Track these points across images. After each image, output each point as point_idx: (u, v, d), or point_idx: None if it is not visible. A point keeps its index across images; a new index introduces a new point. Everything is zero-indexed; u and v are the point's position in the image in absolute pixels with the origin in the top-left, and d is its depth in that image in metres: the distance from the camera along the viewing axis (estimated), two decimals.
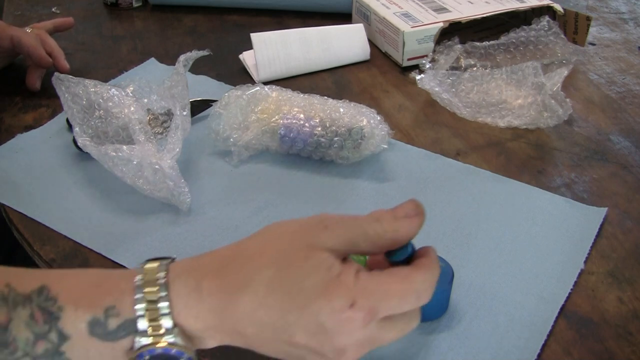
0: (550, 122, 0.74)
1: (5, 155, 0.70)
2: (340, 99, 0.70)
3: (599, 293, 0.55)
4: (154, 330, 0.39)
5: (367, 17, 0.94)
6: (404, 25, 0.86)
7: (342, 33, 0.89)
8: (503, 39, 0.87)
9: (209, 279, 0.40)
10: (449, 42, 0.84)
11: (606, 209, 0.63)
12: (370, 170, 0.68)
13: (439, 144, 0.73)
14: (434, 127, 0.76)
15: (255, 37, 0.85)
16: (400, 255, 0.42)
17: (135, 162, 0.60)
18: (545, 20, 0.88)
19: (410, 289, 0.40)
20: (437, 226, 0.61)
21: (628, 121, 0.79)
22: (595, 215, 0.63)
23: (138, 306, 0.39)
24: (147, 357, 0.40)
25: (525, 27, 0.88)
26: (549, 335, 0.51)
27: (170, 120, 0.66)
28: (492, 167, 0.70)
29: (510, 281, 0.55)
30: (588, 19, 0.91)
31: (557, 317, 0.52)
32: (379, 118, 0.68)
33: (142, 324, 0.39)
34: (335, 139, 0.66)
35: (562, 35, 0.88)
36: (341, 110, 0.68)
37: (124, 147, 0.60)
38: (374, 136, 0.66)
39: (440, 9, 0.90)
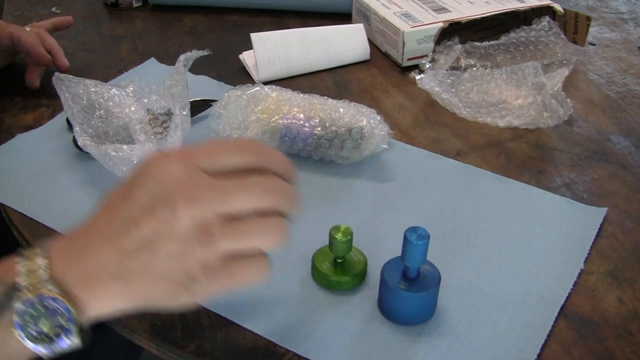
0: (550, 122, 0.74)
1: (5, 155, 0.70)
2: (340, 99, 0.70)
3: (599, 293, 0.55)
4: (32, 284, 0.41)
5: (367, 17, 0.94)
6: (404, 25, 0.86)
7: (342, 33, 0.89)
8: (503, 39, 0.87)
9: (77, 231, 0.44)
10: (449, 42, 0.84)
11: (606, 209, 0.63)
12: (370, 170, 0.68)
13: (439, 144, 0.73)
14: (434, 127, 0.76)
15: (255, 37, 0.85)
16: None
17: (135, 162, 0.60)
18: (545, 21, 0.88)
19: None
20: (437, 226, 0.61)
21: (628, 121, 0.79)
22: (595, 215, 0.63)
23: (18, 266, 0.42)
24: (27, 314, 0.41)
25: (525, 27, 0.88)
26: (549, 335, 0.51)
27: (170, 120, 0.66)
28: (492, 167, 0.70)
29: (510, 281, 0.55)
30: (588, 19, 0.91)
31: (557, 317, 0.52)
32: (379, 118, 0.68)
33: (21, 280, 0.41)
34: (335, 139, 0.66)
35: (562, 36, 0.88)
36: (341, 110, 0.68)
37: (124, 146, 0.60)
38: (374, 136, 0.66)
39: (440, 9, 0.90)
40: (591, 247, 0.59)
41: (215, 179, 0.41)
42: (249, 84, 0.70)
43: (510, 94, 0.78)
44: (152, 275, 0.41)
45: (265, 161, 0.43)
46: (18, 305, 0.41)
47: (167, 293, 0.42)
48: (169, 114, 0.71)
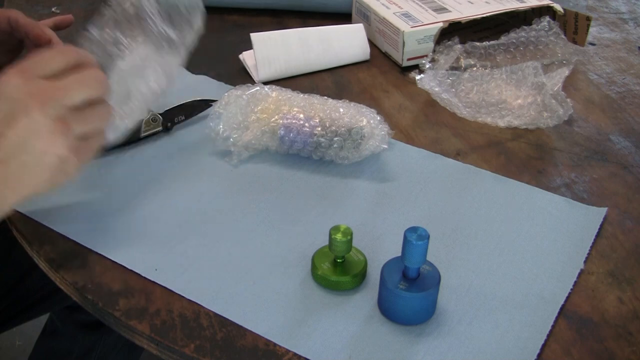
0: (550, 122, 0.74)
1: None
2: (340, 99, 0.70)
3: (599, 293, 0.55)
4: None
5: (367, 17, 0.94)
6: (404, 25, 0.86)
7: (342, 33, 0.89)
8: (503, 39, 0.87)
9: None
10: (449, 42, 0.84)
11: (606, 209, 0.63)
12: (370, 170, 0.68)
13: (439, 144, 0.73)
14: (434, 127, 0.76)
15: (255, 37, 0.85)
16: None
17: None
18: (545, 21, 0.88)
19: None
20: (437, 226, 0.61)
21: (628, 121, 0.79)
22: (595, 215, 0.63)
23: None
24: None
25: (525, 27, 0.88)
26: (549, 335, 0.51)
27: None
28: (492, 167, 0.70)
29: (510, 281, 0.55)
30: (588, 19, 0.91)
31: (557, 317, 0.52)
32: (379, 118, 0.68)
33: None
34: (335, 139, 0.66)
35: (562, 36, 0.88)
36: (341, 110, 0.68)
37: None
38: (374, 136, 0.66)
39: (440, 9, 0.90)
40: (591, 247, 0.59)
41: (52, 81, 0.49)
42: (249, 84, 0.70)
43: (510, 94, 0.78)
44: (32, 172, 0.48)
45: (81, 57, 0.52)
46: None
47: (49, 181, 0.49)
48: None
